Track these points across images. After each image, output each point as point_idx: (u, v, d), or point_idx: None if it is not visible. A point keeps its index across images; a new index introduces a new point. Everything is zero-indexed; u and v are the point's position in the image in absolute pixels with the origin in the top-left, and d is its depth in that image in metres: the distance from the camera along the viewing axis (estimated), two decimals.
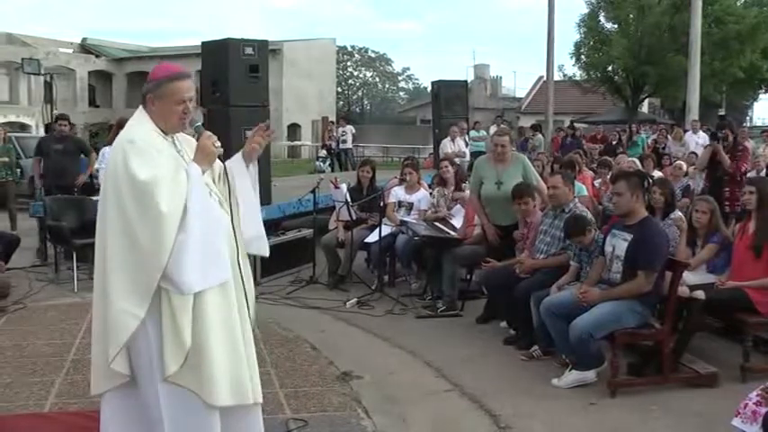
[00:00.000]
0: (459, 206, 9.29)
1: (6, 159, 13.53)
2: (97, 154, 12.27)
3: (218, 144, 3.85)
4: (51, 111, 12.90)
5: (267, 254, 4.35)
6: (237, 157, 4.12)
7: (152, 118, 3.84)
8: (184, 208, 3.60)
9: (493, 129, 24.69)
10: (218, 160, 3.91)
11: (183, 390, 3.68)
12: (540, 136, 22.34)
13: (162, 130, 3.84)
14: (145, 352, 3.68)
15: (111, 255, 3.64)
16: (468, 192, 9.12)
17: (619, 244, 6.04)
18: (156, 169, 3.61)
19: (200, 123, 3.93)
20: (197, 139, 3.90)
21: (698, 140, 18.31)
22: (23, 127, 37.03)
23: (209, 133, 3.87)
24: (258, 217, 4.25)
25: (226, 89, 9.94)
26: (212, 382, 3.70)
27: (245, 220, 4.10)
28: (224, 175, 4.04)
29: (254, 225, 4.19)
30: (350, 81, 76.37)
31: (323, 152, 28.26)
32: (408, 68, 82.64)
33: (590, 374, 5.97)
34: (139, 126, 3.81)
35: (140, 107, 3.90)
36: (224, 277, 3.80)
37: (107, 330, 3.67)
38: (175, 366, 3.63)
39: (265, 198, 10.22)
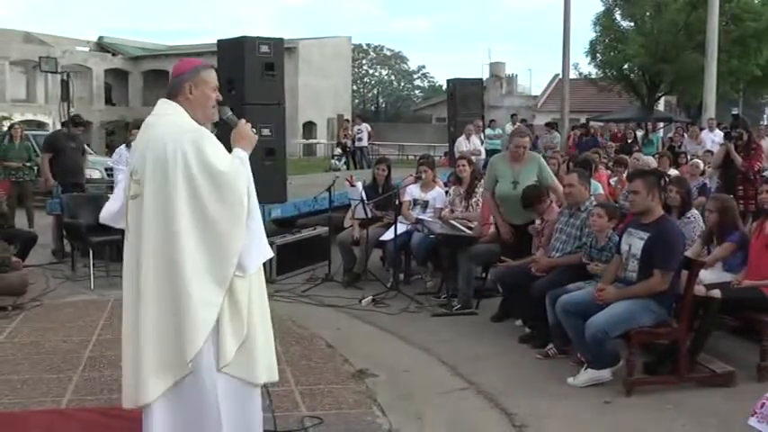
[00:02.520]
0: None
1: (26, 157, 13.66)
2: (111, 152, 12.28)
3: (255, 130, 4.05)
4: (68, 109, 12.96)
5: None
6: None
7: (187, 109, 3.89)
8: (248, 192, 3.75)
9: (508, 127, 24.73)
10: None
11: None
12: (557, 134, 22.25)
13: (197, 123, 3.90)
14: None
15: (185, 245, 3.65)
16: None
17: (635, 243, 6.02)
18: (227, 158, 3.74)
19: (230, 113, 4.09)
20: (217, 125, 4.05)
21: (714, 139, 18.19)
22: (40, 125, 37.22)
23: (244, 120, 4.03)
24: None
25: (241, 87, 9.95)
26: (255, 361, 3.82)
27: None
28: None
29: None
30: (365, 79, 76.37)
31: (338, 150, 28.27)
32: (424, 66, 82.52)
33: (605, 373, 5.95)
34: (187, 118, 3.86)
35: (167, 102, 3.94)
36: (270, 254, 4.00)
37: (185, 325, 3.66)
38: (232, 352, 3.71)
39: (281, 196, 10.25)
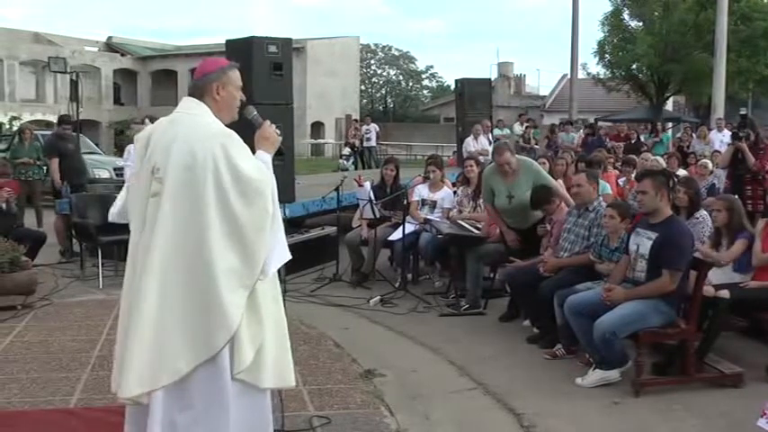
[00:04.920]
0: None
1: (35, 156, 13.71)
2: (122, 152, 12.35)
3: (279, 132, 4.04)
4: (77, 109, 13.01)
5: None
6: None
7: (213, 109, 3.89)
8: (273, 197, 3.77)
9: (517, 127, 24.65)
10: None
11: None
12: (574, 134, 22.10)
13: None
14: None
15: (216, 248, 3.64)
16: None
17: (643, 243, 6.01)
18: (255, 164, 3.74)
19: (255, 113, 4.09)
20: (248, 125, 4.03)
21: (723, 139, 18.11)
22: (49, 125, 37.29)
23: (269, 122, 4.04)
24: None
25: (249, 87, 9.90)
26: (264, 365, 3.80)
27: None
28: None
29: None
30: (373, 79, 76.26)
31: (347, 150, 28.29)
32: (432, 66, 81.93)
33: (614, 373, 5.94)
34: (213, 119, 3.85)
35: (193, 100, 3.92)
36: (288, 257, 3.98)
37: (213, 326, 3.64)
38: (249, 358, 3.71)
39: (289, 196, 10.25)
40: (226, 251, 3.65)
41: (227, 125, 3.89)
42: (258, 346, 3.76)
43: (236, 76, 4.00)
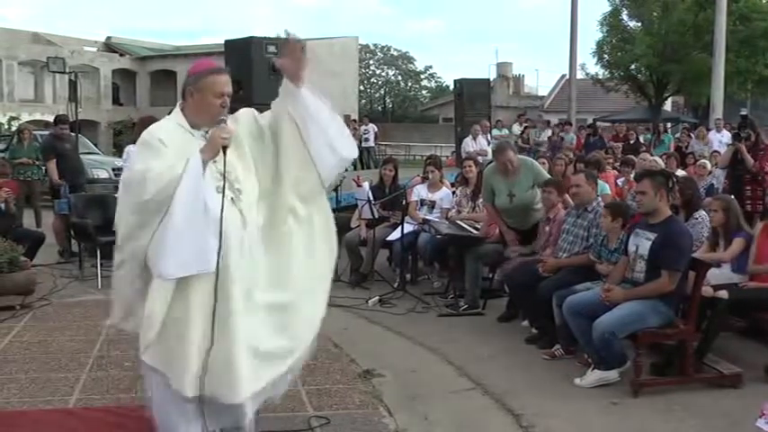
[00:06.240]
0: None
1: (34, 157, 13.71)
2: (121, 152, 12.35)
3: (226, 136, 3.86)
4: (76, 109, 13.04)
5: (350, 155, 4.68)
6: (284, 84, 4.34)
7: (185, 112, 3.95)
8: (172, 197, 3.64)
9: (515, 127, 24.64)
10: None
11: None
12: (572, 134, 22.07)
13: (191, 125, 3.93)
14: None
15: (127, 236, 3.88)
16: None
17: (642, 243, 6.01)
18: (153, 161, 3.73)
19: (223, 117, 3.99)
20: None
21: (722, 139, 18.12)
22: (48, 125, 37.26)
23: (222, 125, 3.91)
24: (324, 132, 4.51)
25: (249, 88, 9.96)
26: (183, 371, 3.77)
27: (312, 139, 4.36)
28: (262, 135, 4.23)
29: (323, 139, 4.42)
30: (372, 80, 76.25)
31: None
32: (431, 67, 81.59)
33: (612, 374, 5.94)
34: (165, 121, 3.95)
35: (179, 102, 4.05)
36: (207, 268, 3.77)
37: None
38: (144, 341, 3.85)
39: None
40: (132, 239, 3.86)
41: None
42: (151, 337, 3.81)
43: (211, 81, 3.96)
